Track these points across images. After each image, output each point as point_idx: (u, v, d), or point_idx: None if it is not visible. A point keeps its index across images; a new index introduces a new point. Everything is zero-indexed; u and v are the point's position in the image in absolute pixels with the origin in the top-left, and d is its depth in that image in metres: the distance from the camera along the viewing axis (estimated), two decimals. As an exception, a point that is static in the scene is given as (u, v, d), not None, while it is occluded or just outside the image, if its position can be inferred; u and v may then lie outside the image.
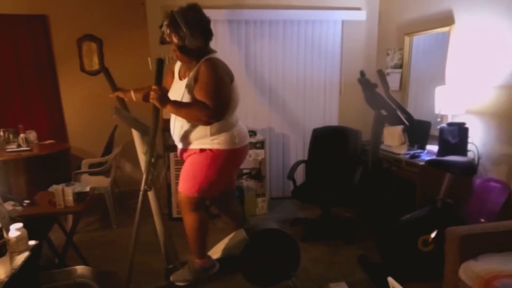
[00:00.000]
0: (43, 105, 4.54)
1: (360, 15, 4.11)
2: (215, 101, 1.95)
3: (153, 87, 1.94)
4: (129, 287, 2.25)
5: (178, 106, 1.99)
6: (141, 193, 2.13)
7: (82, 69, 4.61)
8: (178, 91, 2.10)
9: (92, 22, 4.53)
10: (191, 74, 2.05)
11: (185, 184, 2.12)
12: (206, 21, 2.03)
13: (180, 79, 2.16)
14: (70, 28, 4.48)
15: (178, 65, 2.24)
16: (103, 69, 2.39)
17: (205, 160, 2.08)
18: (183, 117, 2.05)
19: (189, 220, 2.16)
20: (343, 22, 4.12)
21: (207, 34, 2.05)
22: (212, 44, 2.16)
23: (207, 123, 2.01)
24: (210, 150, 2.08)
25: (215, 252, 2.48)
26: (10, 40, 4.32)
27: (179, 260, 2.39)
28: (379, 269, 2.68)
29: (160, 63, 1.94)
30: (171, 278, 2.24)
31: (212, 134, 2.07)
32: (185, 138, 2.13)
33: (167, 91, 2.10)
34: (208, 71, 1.99)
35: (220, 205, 2.58)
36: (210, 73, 1.99)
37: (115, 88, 2.42)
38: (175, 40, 1.99)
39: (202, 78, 2.00)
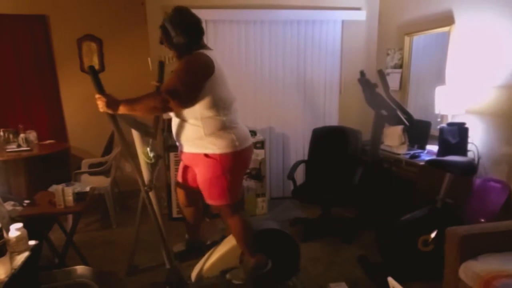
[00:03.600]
0: (43, 105, 4.54)
1: (360, 15, 4.12)
2: (174, 85, 1.92)
3: (96, 96, 1.88)
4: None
5: (130, 103, 1.92)
6: (145, 195, 2.14)
7: (82, 69, 4.61)
8: None
9: (92, 22, 4.53)
10: None
11: (213, 196, 2.16)
12: (193, 21, 2.08)
13: None
14: (70, 28, 4.48)
15: None
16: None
17: (218, 170, 2.09)
18: (140, 112, 2.00)
19: (234, 223, 2.23)
20: (343, 22, 4.13)
21: (195, 32, 2.08)
22: (212, 45, 2.17)
23: (164, 108, 1.94)
24: (214, 158, 2.07)
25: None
26: (10, 40, 4.31)
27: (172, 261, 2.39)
28: (379, 269, 2.68)
29: (93, 70, 1.88)
30: (228, 276, 2.28)
31: (207, 134, 2.05)
32: (182, 136, 2.14)
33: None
34: (181, 61, 2.02)
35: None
36: (182, 61, 2.01)
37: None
38: (166, 40, 2.08)
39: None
